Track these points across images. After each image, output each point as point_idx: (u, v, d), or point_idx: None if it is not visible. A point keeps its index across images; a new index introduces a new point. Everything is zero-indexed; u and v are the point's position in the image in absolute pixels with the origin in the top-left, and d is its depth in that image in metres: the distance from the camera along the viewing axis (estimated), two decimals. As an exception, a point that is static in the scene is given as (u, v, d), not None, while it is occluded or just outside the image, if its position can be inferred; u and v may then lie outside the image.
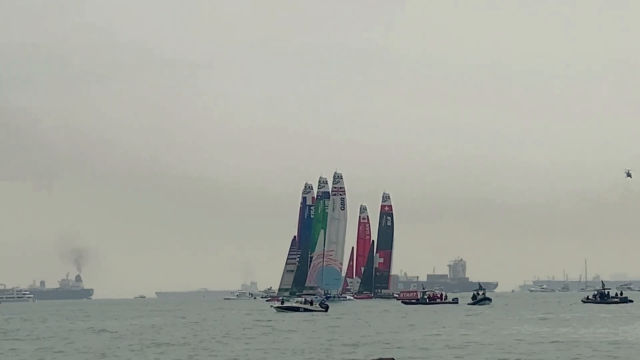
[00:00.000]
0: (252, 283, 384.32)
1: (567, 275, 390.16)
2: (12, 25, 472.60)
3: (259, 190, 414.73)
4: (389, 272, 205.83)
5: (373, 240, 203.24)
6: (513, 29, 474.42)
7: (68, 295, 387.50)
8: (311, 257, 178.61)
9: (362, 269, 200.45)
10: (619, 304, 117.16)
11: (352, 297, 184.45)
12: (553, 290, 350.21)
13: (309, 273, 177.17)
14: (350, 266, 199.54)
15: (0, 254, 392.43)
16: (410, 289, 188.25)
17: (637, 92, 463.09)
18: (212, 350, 47.00)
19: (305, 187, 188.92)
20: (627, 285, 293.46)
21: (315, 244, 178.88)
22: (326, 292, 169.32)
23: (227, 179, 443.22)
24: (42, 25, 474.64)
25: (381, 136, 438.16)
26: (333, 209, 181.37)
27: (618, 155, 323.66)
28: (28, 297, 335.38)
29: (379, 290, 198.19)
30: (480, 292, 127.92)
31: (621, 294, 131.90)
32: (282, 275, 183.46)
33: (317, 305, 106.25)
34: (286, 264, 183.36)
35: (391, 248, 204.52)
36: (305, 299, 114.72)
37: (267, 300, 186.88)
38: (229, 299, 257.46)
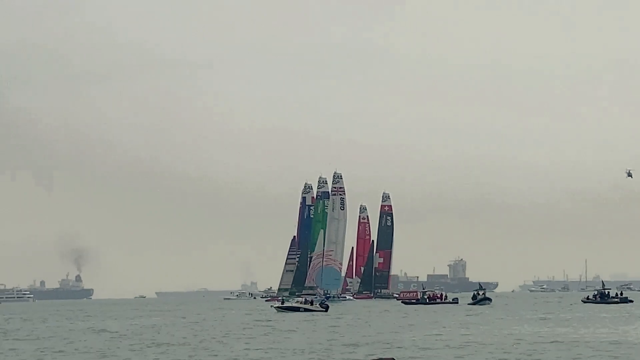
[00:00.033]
0: (252, 283, 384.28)
1: (567, 275, 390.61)
2: (12, 25, 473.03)
3: (259, 190, 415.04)
4: (388, 272, 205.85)
5: (373, 240, 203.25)
6: (513, 29, 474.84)
7: (68, 295, 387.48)
8: (311, 257, 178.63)
9: (362, 269, 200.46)
10: (619, 304, 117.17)
11: (351, 297, 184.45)
12: (553, 290, 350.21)
13: (308, 273, 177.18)
14: (350, 266, 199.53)
15: (0, 254, 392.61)
16: (411, 289, 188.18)
17: (637, 92, 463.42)
18: (212, 350, 46.98)
19: (305, 187, 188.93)
20: (627, 285, 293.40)
21: (315, 244, 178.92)
22: (326, 292, 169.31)
23: (227, 179, 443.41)
24: (42, 25, 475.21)
25: (381, 136, 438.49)
26: (333, 209, 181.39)
27: (618, 155, 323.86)
28: (28, 297, 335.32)
29: (379, 290, 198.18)
30: (481, 292, 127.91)
31: (621, 294, 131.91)
32: (282, 275, 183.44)
33: (317, 305, 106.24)
34: (286, 264, 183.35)
35: (391, 248, 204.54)
36: (305, 299, 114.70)
37: (266, 301, 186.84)
38: (228, 299, 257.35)
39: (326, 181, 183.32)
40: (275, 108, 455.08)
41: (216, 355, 44.21)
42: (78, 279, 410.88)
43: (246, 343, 51.69)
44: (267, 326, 72.04)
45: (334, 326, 69.71)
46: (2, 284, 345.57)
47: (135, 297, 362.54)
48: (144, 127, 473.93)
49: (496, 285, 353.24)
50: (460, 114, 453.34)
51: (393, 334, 57.63)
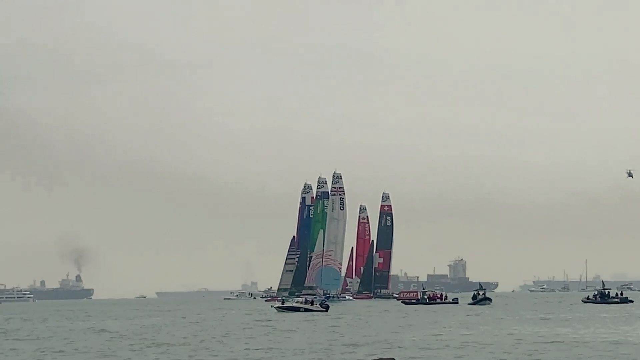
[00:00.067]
0: (252, 283, 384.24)
1: (567, 275, 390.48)
2: (12, 25, 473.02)
3: (259, 190, 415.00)
4: (388, 272, 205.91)
5: (373, 240, 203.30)
6: (513, 29, 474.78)
7: (68, 295, 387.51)
8: (310, 257, 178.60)
9: (362, 269, 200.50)
10: (619, 304, 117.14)
11: (351, 297, 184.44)
12: (553, 290, 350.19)
13: (308, 273, 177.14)
14: (349, 266, 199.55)
15: (1, 254, 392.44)
16: (411, 289, 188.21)
17: (637, 92, 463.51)
18: (212, 350, 46.99)
19: (305, 187, 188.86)
20: (627, 285, 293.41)
21: (315, 244, 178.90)
22: (325, 292, 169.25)
23: (227, 179, 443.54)
24: (42, 25, 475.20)
25: (381, 136, 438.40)
26: (332, 209, 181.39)
27: (618, 155, 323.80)
28: (28, 297, 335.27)
29: (379, 290, 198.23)
30: (481, 292, 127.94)
31: (621, 294, 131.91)
32: (281, 275, 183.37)
33: (318, 305, 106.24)
34: (285, 264, 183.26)
35: (391, 248, 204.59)
36: (305, 299, 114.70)
37: (266, 301, 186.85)
38: (228, 299, 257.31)
39: (325, 181, 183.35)
40: (275, 108, 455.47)
41: (216, 355, 44.22)
42: (78, 279, 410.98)
43: (246, 343, 51.70)
44: (268, 326, 72.05)
45: (334, 326, 69.72)
46: (2, 284, 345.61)
47: (136, 297, 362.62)
48: (144, 127, 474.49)
49: (496, 285, 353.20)
50: (460, 114, 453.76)
51: (393, 334, 57.64)
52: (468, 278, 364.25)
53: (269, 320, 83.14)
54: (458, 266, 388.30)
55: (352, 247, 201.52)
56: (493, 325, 68.41)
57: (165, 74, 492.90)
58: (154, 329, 71.79)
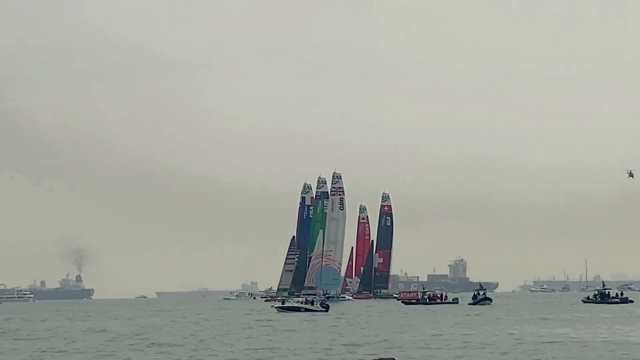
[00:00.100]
0: (252, 283, 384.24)
1: (567, 275, 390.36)
2: (12, 25, 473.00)
3: (259, 190, 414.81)
4: (388, 272, 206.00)
5: (372, 240, 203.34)
6: (513, 29, 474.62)
7: (68, 295, 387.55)
8: (310, 257, 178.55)
9: (362, 269, 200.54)
10: (620, 304, 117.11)
11: (350, 297, 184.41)
12: (553, 291, 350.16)
13: (307, 273, 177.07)
14: (349, 266, 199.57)
15: (1, 254, 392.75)
16: (411, 289, 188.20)
17: (637, 92, 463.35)
18: (212, 350, 46.99)
19: (304, 187, 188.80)
20: (627, 285, 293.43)
21: (314, 244, 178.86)
22: (325, 292, 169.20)
23: (227, 179, 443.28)
24: (42, 25, 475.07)
25: (381, 136, 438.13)
26: (332, 209, 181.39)
27: (618, 155, 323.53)
28: (28, 297, 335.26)
29: (379, 290, 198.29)
30: (481, 292, 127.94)
31: (621, 294, 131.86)
32: (281, 275, 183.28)
33: (318, 305, 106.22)
34: (285, 264, 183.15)
35: (390, 248, 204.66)
36: (306, 299, 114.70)
37: (265, 301, 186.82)
38: (228, 299, 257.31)
39: (325, 181, 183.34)
40: (275, 108, 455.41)
41: (216, 355, 44.23)
42: (78, 279, 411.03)
43: (247, 343, 51.70)
44: (268, 326, 72.05)
45: (335, 326, 69.73)
46: (2, 284, 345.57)
47: (136, 297, 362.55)
48: (144, 127, 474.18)
49: (496, 285, 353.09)
50: (460, 114, 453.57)
51: (393, 334, 57.64)
52: (468, 278, 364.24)
53: (269, 320, 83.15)
54: (458, 266, 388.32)
55: (352, 247, 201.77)
56: (493, 325, 68.40)
57: (165, 74, 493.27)
58: (154, 329, 71.79)
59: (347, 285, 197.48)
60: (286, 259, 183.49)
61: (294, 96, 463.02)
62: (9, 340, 59.60)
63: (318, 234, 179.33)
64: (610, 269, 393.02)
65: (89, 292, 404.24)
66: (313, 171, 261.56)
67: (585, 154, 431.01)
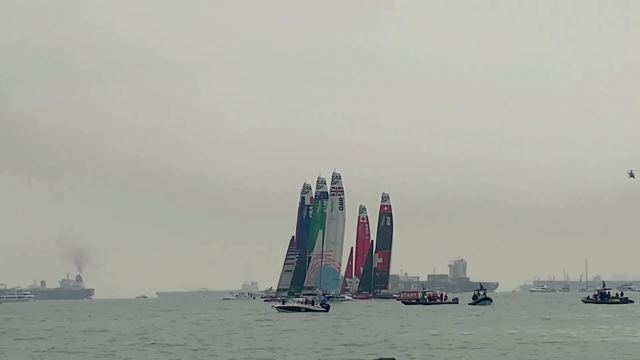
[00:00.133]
0: (252, 283, 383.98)
1: (567, 275, 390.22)
2: (12, 25, 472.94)
3: (259, 190, 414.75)
4: (388, 272, 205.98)
5: (372, 241, 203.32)
6: (513, 29, 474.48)
7: (69, 295, 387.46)
8: (310, 257, 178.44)
9: (361, 269, 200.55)
10: (620, 304, 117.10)
11: (350, 297, 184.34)
12: (554, 291, 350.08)
13: (307, 273, 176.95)
14: (349, 266, 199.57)
15: (1, 254, 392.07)
16: (411, 289, 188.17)
17: (637, 92, 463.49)
18: (212, 350, 47.00)
19: (304, 187, 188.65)
20: (627, 285, 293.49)
21: (314, 244, 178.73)
22: (325, 292, 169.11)
23: (227, 179, 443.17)
24: (42, 25, 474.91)
25: (381, 136, 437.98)
26: (331, 209, 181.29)
27: (618, 155, 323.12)
28: (29, 297, 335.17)
29: (378, 291, 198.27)
30: (481, 293, 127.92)
31: (622, 294, 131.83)
32: (281, 275, 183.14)
33: (318, 305, 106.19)
34: (284, 264, 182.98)
35: (390, 248, 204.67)
36: (306, 299, 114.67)
37: (265, 301, 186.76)
38: (228, 299, 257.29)
39: (325, 181, 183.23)
40: (275, 108, 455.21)
41: (217, 355, 44.23)
42: (78, 279, 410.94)
43: (247, 343, 51.70)
44: (269, 326, 72.05)
45: (335, 326, 69.73)
46: (2, 284, 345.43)
47: (137, 297, 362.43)
48: (144, 127, 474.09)
49: (497, 285, 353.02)
50: (460, 114, 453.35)
51: (393, 334, 57.64)
52: (468, 278, 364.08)
53: (270, 320, 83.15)
54: (458, 266, 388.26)
55: (352, 247, 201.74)
56: (493, 325, 68.40)
57: (165, 74, 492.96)
58: (154, 329, 71.79)
59: (346, 285, 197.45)
60: (286, 259, 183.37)
61: (294, 96, 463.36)
62: (10, 340, 59.60)
63: (318, 234, 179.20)
64: (611, 269, 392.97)
65: (89, 292, 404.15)
66: (313, 171, 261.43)
67: (585, 154, 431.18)
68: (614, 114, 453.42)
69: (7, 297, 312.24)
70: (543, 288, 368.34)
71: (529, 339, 51.50)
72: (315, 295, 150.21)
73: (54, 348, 51.35)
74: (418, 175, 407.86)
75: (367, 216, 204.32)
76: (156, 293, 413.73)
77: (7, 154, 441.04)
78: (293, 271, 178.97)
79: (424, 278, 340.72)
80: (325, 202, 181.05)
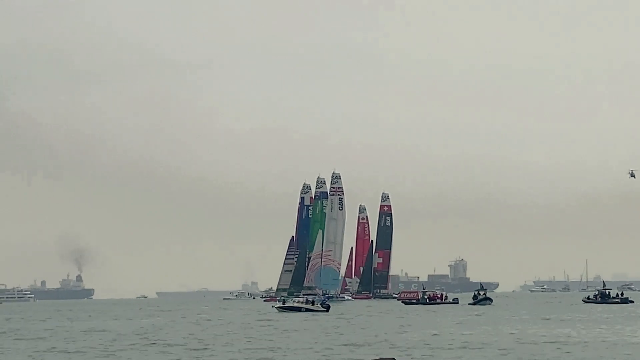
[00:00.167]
0: (252, 283, 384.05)
1: (568, 275, 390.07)
2: (12, 25, 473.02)
3: (259, 190, 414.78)
4: (387, 272, 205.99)
5: (372, 241, 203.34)
6: (513, 29, 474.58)
7: (69, 295, 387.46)
8: (309, 257, 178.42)
9: (361, 269, 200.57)
10: (620, 304, 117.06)
11: (350, 298, 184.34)
12: (554, 291, 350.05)
13: (307, 273, 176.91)
14: (349, 266, 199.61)
15: (1, 254, 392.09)
16: (411, 289, 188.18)
17: (637, 92, 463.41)
18: (212, 349, 47.00)
19: (304, 187, 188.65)
20: (627, 285, 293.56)
21: (314, 244, 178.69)
22: (324, 292, 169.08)
23: (227, 179, 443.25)
24: (42, 25, 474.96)
25: (381, 136, 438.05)
26: (331, 209, 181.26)
27: (618, 155, 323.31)
28: (29, 297, 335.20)
29: (378, 291, 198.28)
30: (481, 293, 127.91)
31: (622, 294, 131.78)
32: (280, 276, 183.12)
33: (319, 305, 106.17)
34: (284, 264, 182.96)
35: (390, 248, 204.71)
36: (306, 298, 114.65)
37: (265, 301, 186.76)
38: (228, 299, 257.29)
39: (324, 181, 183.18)
40: (275, 108, 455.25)
41: (217, 355, 44.23)
42: (79, 279, 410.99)
43: (247, 343, 51.70)
44: (269, 326, 72.04)
45: (336, 326, 69.73)
46: (2, 284, 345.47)
47: (137, 297, 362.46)
48: (144, 127, 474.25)
49: (497, 285, 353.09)
50: (460, 114, 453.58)
51: (394, 334, 57.64)
52: (469, 278, 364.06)
53: (270, 320, 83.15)
54: (459, 266, 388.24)
55: (352, 247, 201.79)
56: (493, 325, 68.40)
57: (165, 74, 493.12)
58: (154, 328, 71.79)
59: (346, 285, 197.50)
60: (285, 259, 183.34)
61: (294, 96, 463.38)
62: (10, 340, 59.60)
63: (317, 234, 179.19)
64: (611, 269, 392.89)
65: (89, 292, 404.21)
66: (313, 171, 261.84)
67: (585, 154, 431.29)
68: (614, 114, 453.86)
69: (7, 297, 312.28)
70: (543, 288, 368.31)
71: (529, 339, 51.50)
72: (315, 295, 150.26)
73: (54, 348, 51.36)
74: (418, 175, 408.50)
75: (367, 216, 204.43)
76: (156, 293, 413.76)
77: (7, 154, 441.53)
78: (293, 271, 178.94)
79: (424, 278, 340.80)
80: (324, 202, 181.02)
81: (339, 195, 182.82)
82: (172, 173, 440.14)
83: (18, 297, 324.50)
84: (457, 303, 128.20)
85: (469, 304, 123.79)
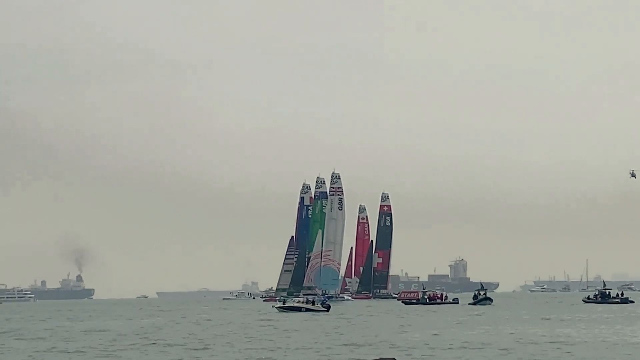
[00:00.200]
0: (252, 283, 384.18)
1: (568, 275, 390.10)
2: (12, 26, 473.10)
3: (259, 191, 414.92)
4: (387, 272, 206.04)
5: (372, 241, 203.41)
6: (513, 29, 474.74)
7: (69, 295, 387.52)
8: (309, 257, 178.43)
9: (361, 269, 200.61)
10: (620, 304, 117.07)
11: (349, 298, 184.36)
12: (554, 291, 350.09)
13: (306, 273, 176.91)
14: (349, 266, 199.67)
15: (1, 254, 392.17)
16: (411, 289, 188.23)
17: (637, 92, 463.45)
18: (212, 350, 47.00)
19: (303, 187, 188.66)
20: (628, 285, 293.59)
21: (313, 244, 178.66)
22: (324, 292, 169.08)
23: (227, 179, 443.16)
24: (42, 25, 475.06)
25: (381, 137, 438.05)
26: (331, 209, 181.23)
27: (619, 156, 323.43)
28: (29, 297, 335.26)
29: (378, 291, 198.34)
30: (482, 293, 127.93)
31: (622, 294, 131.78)
32: (280, 276, 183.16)
33: (319, 305, 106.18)
34: (284, 264, 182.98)
35: (390, 248, 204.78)
36: (307, 298, 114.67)
37: (264, 301, 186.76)
38: (227, 299, 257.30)
39: (324, 181, 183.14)
40: (275, 108, 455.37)
41: (217, 355, 44.23)
42: (79, 279, 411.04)
43: (248, 343, 51.70)
44: (269, 326, 72.04)
45: (336, 326, 69.73)
46: (3, 284, 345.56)
47: (137, 297, 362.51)
48: (143, 128, 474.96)
49: (497, 285, 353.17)
50: (460, 114, 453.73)
51: (394, 334, 57.65)
52: (469, 278, 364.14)
53: (270, 320, 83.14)
54: (459, 266, 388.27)
55: (352, 247, 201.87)
56: (494, 325, 68.40)
57: (165, 74, 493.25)
58: (155, 328, 71.79)
59: (346, 285, 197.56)
60: (285, 259, 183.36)
61: (294, 96, 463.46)
62: (10, 340, 59.60)
63: (317, 234, 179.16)
64: (611, 269, 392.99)
65: (89, 292, 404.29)
66: (313, 171, 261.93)
67: (585, 154, 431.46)
68: (614, 114, 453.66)
69: (7, 297, 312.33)
70: (543, 288, 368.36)
71: (529, 339, 51.50)
72: (316, 295, 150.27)
73: (54, 348, 51.35)
74: (418, 175, 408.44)
75: (366, 216, 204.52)
76: (156, 293, 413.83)
77: (7, 154, 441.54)
78: (292, 271, 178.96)
79: (424, 278, 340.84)
80: (324, 202, 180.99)
81: (338, 195, 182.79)
82: (172, 173, 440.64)
83: (18, 297, 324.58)
84: (457, 303, 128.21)
85: (469, 304, 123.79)
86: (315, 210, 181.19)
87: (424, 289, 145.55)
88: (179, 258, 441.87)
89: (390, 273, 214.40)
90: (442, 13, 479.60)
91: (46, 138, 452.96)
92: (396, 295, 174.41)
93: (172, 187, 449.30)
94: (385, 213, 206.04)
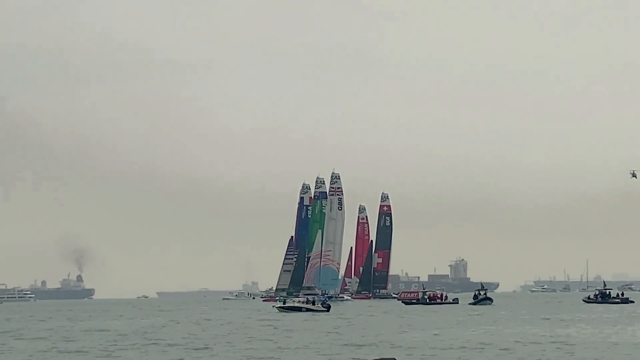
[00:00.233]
0: (252, 283, 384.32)
1: (568, 275, 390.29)
2: (12, 26, 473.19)
3: (259, 191, 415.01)
4: (387, 272, 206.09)
5: (372, 241, 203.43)
6: (513, 29, 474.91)
7: (69, 295, 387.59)
8: (309, 257, 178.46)
9: (361, 269, 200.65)
10: (620, 304, 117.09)
11: (349, 298, 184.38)
12: (554, 291, 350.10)
13: (306, 273, 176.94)
14: (349, 266, 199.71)
15: (1, 254, 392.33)
16: (411, 289, 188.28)
17: (637, 92, 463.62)
18: (213, 350, 47.00)
19: (303, 187, 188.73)
20: (628, 285, 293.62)
21: (313, 244, 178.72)
22: (324, 292, 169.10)
23: (227, 179, 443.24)
24: (42, 25, 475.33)
25: (381, 136, 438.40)
26: (330, 209, 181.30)
27: (619, 156, 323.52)
28: (29, 297, 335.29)
29: (378, 291, 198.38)
30: (482, 293, 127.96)
31: (622, 294, 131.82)
32: (280, 276, 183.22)
33: (319, 305, 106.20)
34: (283, 264, 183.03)
35: (390, 248, 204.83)
36: (307, 298, 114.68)
37: (264, 301, 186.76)
38: (227, 299, 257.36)
39: (324, 181, 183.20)
40: (275, 108, 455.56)
41: (217, 355, 44.23)
42: (79, 279, 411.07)
43: (248, 343, 51.70)
44: (269, 326, 72.05)
45: (336, 326, 69.73)
46: (3, 284, 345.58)
47: (138, 297, 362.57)
48: (143, 128, 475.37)
49: (497, 285, 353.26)
50: (460, 114, 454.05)
51: (394, 334, 57.66)
52: (469, 278, 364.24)
53: (270, 320, 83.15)
54: (459, 266, 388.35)
55: (352, 247, 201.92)
56: (494, 325, 68.41)
57: (165, 74, 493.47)
58: (155, 328, 71.80)
59: (346, 285, 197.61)
60: (285, 259, 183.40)
61: (294, 96, 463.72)
62: (10, 340, 59.60)
63: (317, 234, 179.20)
64: (611, 269, 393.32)
65: (89, 292, 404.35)
66: (312, 171, 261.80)
67: (585, 154, 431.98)
68: (614, 114, 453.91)
69: (7, 297, 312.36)
70: (543, 288, 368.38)
71: (529, 339, 51.50)
72: (316, 295, 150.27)
73: (54, 348, 51.36)
74: (418, 175, 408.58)
75: (366, 216, 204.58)
76: (157, 293, 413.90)
77: (7, 154, 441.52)
78: (292, 271, 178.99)
79: (424, 278, 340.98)
80: (324, 202, 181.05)
81: (338, 195, 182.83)
82: (172, 173, 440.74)
83: (18, 297, 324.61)
84: (458, 303, 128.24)
85: (469, 304, 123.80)
86: (315, 210, 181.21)
87: (424, 289, 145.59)
88: (179, 258, 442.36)
89: (390, 273, 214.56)
90: (442, 13, 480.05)
91: (46, 138, 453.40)
92: (396, 295, 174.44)
93: (172, 187, 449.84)
94: (385, 213, 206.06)
